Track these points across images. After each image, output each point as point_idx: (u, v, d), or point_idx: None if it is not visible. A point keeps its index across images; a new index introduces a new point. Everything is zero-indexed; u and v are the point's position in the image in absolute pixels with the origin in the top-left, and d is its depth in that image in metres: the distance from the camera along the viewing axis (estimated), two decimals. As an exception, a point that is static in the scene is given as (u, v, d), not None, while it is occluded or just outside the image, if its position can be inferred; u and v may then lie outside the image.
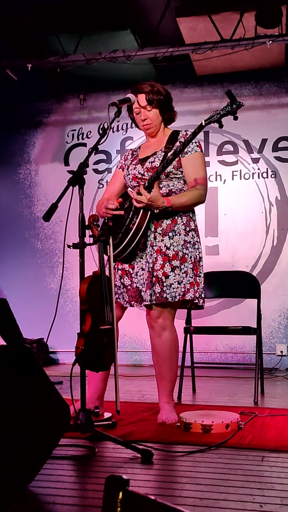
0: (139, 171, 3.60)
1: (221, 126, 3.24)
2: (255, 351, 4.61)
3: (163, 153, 3.56)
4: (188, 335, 4.69)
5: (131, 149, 3.88)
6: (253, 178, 6.87)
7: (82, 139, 7.51)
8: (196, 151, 3.57)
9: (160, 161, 3.52)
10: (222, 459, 2.67)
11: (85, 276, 3.00)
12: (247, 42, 5.84)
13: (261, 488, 2.23)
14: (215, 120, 3.24)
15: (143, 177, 3.57)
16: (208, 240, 6.85)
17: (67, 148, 7.56)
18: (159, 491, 2.23)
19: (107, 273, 3.20)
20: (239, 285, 4.95)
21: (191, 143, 3.52)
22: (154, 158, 3.57)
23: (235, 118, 3.21)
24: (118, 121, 7.15)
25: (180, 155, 3.50)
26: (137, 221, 3.40)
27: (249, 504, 2.04)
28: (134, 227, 3.40)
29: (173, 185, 3.54)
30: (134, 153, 3.80)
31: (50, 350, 7.14)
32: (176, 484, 2.35)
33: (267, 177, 6.82)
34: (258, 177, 6.85)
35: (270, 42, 5.79)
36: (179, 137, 3.60)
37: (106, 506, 0.93)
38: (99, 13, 5.83)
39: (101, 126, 7.26)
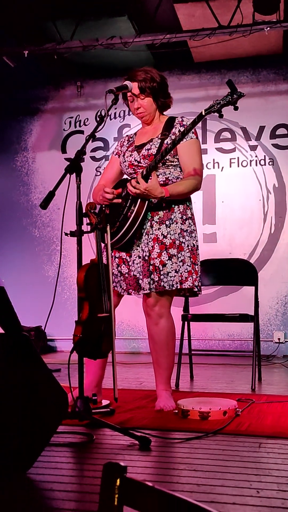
0: (135, 158, 3.59)
1: (221, 116, 3.19)
2: (252, 338, 4.62)
3: (159, 140, 3.55)
4: (186, 322, 4.70)
5: (127, 136, 3.86)
6: (250, 165, 6.86)
7: (80, 126, 7.49)
8: (192, 138, 3.55)
9: (156, 148, 3.51)
10: (220, 445, 2.68)
11: (83, 264, 3.00)
12: (245, 28, 5.82)
13: (258, 474, 2.25)
14: (215, 110, 3.20)
15: (140, 164, 3.56)
16: (206, 228, 6.85)
17: (64, 136, 7.54)
18: (157, 478, 2.25)
19: (104, 261, 3.20)
20: (236, 272, 4.95)
21: None
22: (151, 145, 3.56)
23: (236, 108, 3.18)
24: (115, 109, 7.13)
25: None
26: (135, 209, 3.40)
27: (246, 490, 2.06)
28: (132, 215, 3.40)
29: (169, 173, 3.53)
30: (130, 139, 3.78)
31: (48, 338, 7.16)
32: (174, 470, 2.37)
33: (265, 164, 6.81)
34: (256, 165, 6.84)
35: (268, 28, 5.76)
36: (175, 123, 3.58)
37: (103, 492, 0.93)
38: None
39: (98, 114, 7.22)
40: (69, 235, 2.95)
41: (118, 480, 0.92)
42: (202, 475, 2.25)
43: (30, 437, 2.26)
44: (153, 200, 3.43)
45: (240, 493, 2.03)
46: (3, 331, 2.29)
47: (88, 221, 3.08)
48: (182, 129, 3.48)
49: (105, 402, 3.57)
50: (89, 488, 2.13)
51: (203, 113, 3.24)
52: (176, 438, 2.82)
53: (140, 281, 3.48)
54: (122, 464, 0.93)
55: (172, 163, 3.53)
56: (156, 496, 0.87)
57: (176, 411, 3.31)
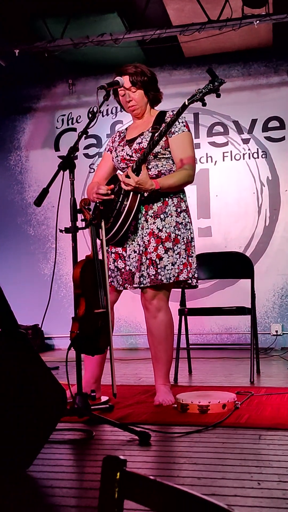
0: (127, 153, 3.60)
1: (204, 104, 3.22)
2: (250, 331, 4.62)
3: (150, 134, 3.55)
4: (183, 316, 4.70)
5: (119, 131, 3.87)
6: (244, 158, 6.86)
7: (72, 124, 7.49)
8: (184, 131, 3.56)
9: (147, 142, 3.52)
10: (220, 438, 2.69)
11: (78, 260, 3.00)
12: (234, 22, 5.81)
13: (258, 466, 2.25)
14: (198, 98, 3.22)
15: (132, 158, 3.57)
16: (201, 222, 6.85)
17: (57, 134, 7.54)
18: (157, 472, 2.25)
19: (100, 257, 3.20)
20: (232, 265, 4.95)
21: (178, 123, 3.52)
22: (142, 139, 3.56)
23: (218, 96, 3.20)
24: (107, 105, 7.12)
25: (168, 135, 3.49)
26: (127, 204, 3.40)
27: (247, 482, 2.06)
28: (125, 210, 3.40)
29: (161, 166, 3.54)
30: (122, 134, 3.79)
31: (45, 336, 7.16)
32: (174, 464, 2.37)
33: (258, 157, 6.82)
34: (249, 158, 6.85)
35: (258, 22, 5.76)
36: (166, 117, 3.59)
37: (104, 487, 0.93)
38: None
39: (90, 110, 7.22)
40: (64, 232, 2.96)
41: (118, 474, 0.92)
42: (202, 468, 2.26)
43: (29, 434, 2.26)
44: (145, 193, 3.44)
45: (241, 485, 2.03)
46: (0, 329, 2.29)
47: (83, 217, 3.08)
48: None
49: (104, 398, 3.58)
50: (90, 484, 2.13)
51: (186, 103, 3.26)
52: (176, 432, 2.82)
53: (136, 275, 3.48)
54: (122, 458, 0.94)
55: (164, 156, 3.54)
56: (157, 489, 0.87)
57: (175, 405, 3.31)
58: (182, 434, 2.78)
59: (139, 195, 3.43)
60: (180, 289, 4.53)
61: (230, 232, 6.84)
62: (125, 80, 3.56)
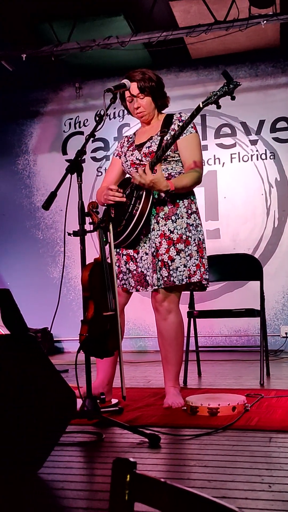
0: (137, 157, 3.60)
1: (218, 107, 3.19)
2: (259, 333, 4.61)
3: (159, 137, 3.55)
4: (192, 319, 4.69)
5: (127, 136, 3.87)
6: (252, 160, 6.85)
7: (79, 127, 7.50)
8: (191, 133, 3.56)
9: (156, 145, 3.52)
10: (230, 441, 2.68)
11: (87, 263, 3.00)
12: (241, 23, 5.80)
13: (269, 468, 2.24)
14: (213, 101, 3.20)
15: (141, 162, 3.57)
16: (209, 224, 6.84)
17: (64, 137, 7.55)
18: (167, 475, 2.24)
19: (108, 260, 3.21)
20: (241, 267, 4.94)
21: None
22: (151, 143, 3.56)
23: (233, 98, 3.17)
24: (114, 108, 7.13)
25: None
26: (140, 206, 3.40)
27: (258, 485, 2.05)
28: (138, 212, 3.40)
29: (171, 169, 3.54)
30: (130, 139, 3.79)
31: (54, 339, 7.16)
32: (184, 467, 2.36)
33: (266, 158, 6.80)
34: (257, 159, 6.83)
35: (265, 22, 5.75)
36: (173, 120, 3.59)
37: (114, 489, 0.93)
38: (91, 0, 5.79)
39: (98, 113, 7.22)
40: (72, 235, 2.96)
41: (128, 476, 0.92)
42: (212, 470, 2.25)
43: (39, 437, 2.26)
44: (161, 194, 3.43)
45: (251, 488, 2.02)
46: (9, 333, 2.29)
47: (91, 221, 3.08)
48: (181, 124, 3.49)
49: (113, 401, 3.57)
50: (100, 486, 2.13)
51: (201, 106, 3.24)
52: (186, 434, 2.81)
53: (148, 277, 3.48)
54: (132, 460, 0.93)
55: (174, 159, 3.54)
56: (167, 491, 0.87)
57: (185, 408, 3.30)
58: (192, 436, 2.77)
59: (151, 197, 3.43)
60: (189, 292, 4.52)
61: (238, 234, 6.83)
62: (132, 87, 3.55)
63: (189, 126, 3.53)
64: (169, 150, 3.47)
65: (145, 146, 3.59)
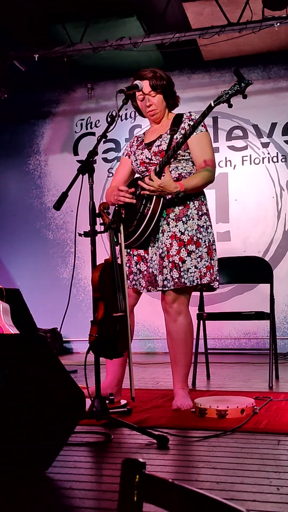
0: (147, 156, 3.60)
1: (230, 106, 3.17)
2: (268, 336, 4.60)
3: (168, 136, 3.55)
4: (201, 321, 4.69)
5: (136, 136, 3.87)
6: (263, 162, 6.84)
7: (91, 128, 7.51)
8: (202, 131, 3.55)
9: (166, 144, 3.51)
10: (238, 443, 2.67)
11: (97, 264, 3.00)
12: (255, 25, 5.80)
13: (277, 471, 2.23)
14: (224, 100, 3.19)
15: (151, 161, 3.57)
16: (220, 226, 6.83)
17: (76, 138, 7.57)
18: (175, 476, 2.24)
19: (119, 260, 3.21)
20: (251, 270, 4.93)
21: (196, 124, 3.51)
22: (160, 142, 3.56)
23: (244, 97, 3.15)
24: (126, 109, 7.14)
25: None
26: (151, 207, 3.40)
27: (266, 487, 2.04)
28: (149, 213, 3.40)
29: (182, 168, 3.54)
30: (139, 138, 3.79)
31: (64, 339, 7.17)
32: (192, 468, 2.36)
33: (277, 161, 6.79)
34: (268, 162, 6.82)
35: (278, 24, 5.75)
36: (183, 119, 3.59)
37: (123, 489, 0.93)
38: (104, 1, 5.80)
39: (109, 114, 7.23)
40: (83, 236, 2.96)
41: (137, 476, 0.92)
42: (221, 472, 2.24)
43: (48, 437, 2.27)
44: (167, 196, 3.43)
45: (260, 490, 2.01)
46: (19, 332, 2.30)
47: (102, 221, 3.08)
48: (191, 123, 3.48)
49: (122, 402, 3.58)
50: (108, 486, 2.13)
51: (212, 105, 3.23)
52: (194, 436, 2.81)
53: (158, 278, 3.48)
54: (141, 460, 0.93)
55: (184, 158, 3.53)
56: (176, 492, 0.87)
57: (194, 409, 3.30)
58: (200, 438, 2.76)
59: (162, 198, 3.42)
60: (198, 294, 4.52)
61: (249, 237, 6.82)
62: (144, 85, 3.56)
63: (200, 125, 3.53)
64: (179, 149, 3.46)
65: (155, 144, 3.58)
